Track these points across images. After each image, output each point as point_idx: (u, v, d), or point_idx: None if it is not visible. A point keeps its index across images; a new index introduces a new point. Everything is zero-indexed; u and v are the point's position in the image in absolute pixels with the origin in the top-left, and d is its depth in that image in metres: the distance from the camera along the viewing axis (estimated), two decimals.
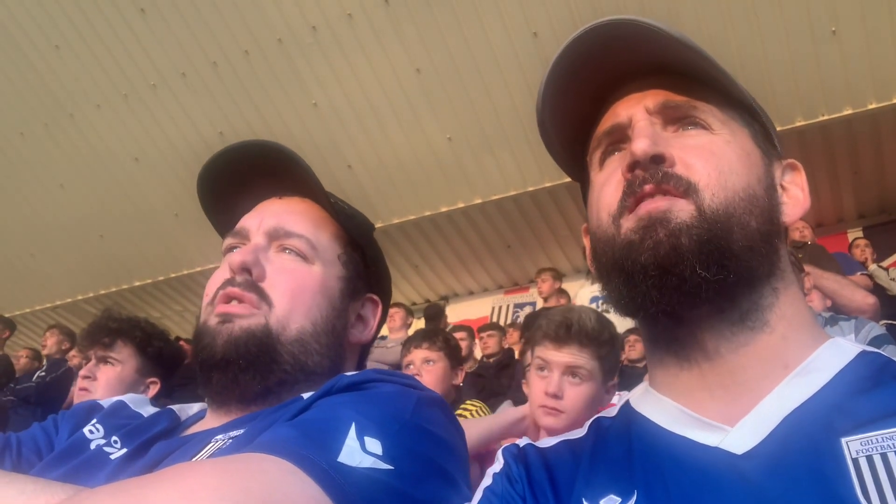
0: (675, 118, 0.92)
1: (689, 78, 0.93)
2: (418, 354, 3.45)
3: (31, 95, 8.70)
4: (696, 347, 0.87)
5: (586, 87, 0.97)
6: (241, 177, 1.26)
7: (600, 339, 2.32)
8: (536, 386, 2.30)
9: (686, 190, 0.84)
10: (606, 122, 0.96)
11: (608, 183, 0.92)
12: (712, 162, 0.86)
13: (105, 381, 2.83)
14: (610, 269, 0.89)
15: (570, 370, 2.25)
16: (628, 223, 0.86)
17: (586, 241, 1.05)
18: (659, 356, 0.93)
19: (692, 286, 0.81)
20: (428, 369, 3.36)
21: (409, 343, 3.64)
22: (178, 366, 3.16)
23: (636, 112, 0.92)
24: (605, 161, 0.96)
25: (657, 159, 0.86)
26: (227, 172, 1.26)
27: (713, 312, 0.85)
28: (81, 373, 2.90)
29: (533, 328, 2.59)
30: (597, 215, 0.93)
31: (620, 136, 0.94)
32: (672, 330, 0.88)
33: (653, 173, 0.85)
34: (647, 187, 0.85)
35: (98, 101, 8.66)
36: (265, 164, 1.24)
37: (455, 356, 3.73)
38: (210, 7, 7.62)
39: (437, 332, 3.90)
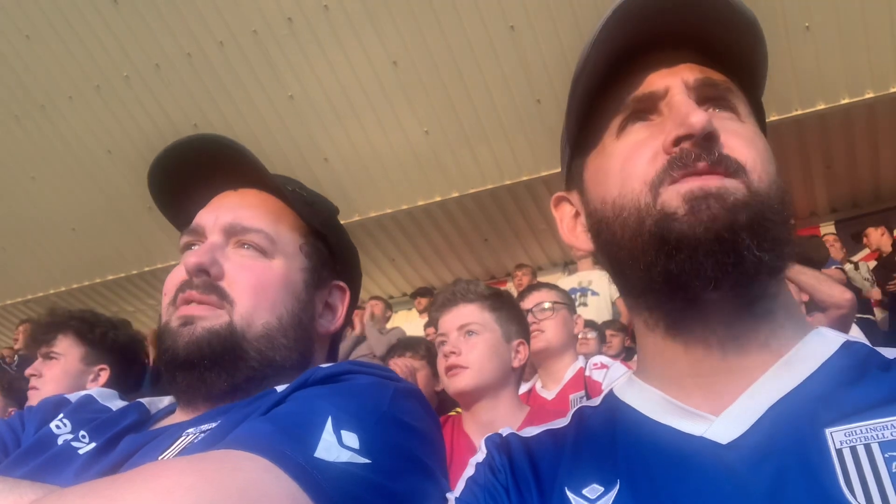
0: (709, 97, 0.88)
1: (719, 59, 0.90)
2: (401, 363, 3.55)
3: (2, 87, 8.56)
4: (700, 331, 0.84)
5: (620, 46, 0.90)
6: (194, 171, 1.23)
7: (486, 294, 2.37)
8: (440, 359, 2.35)
9: (736, 170, 0.81)
10: (637, 89, 0.90)
11: (638, 153, 0.86)
12: (753, 149, 0.84)
13: (50, 376, 2.84)
14: (641, 239, 0.83)
15: (464, 329, 2.29)
16: (671, 193, 0.81)
17: (559, 213, 1.03)
18: (653, 341, 0.90)
19: (750, 265, 0.79)
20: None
21: (393, 352, 3.79)
22: (137, 351, 3.13)
23: (674, 83, 0.88)
24: (627, 128, 0.91)
25: (711, 137, 0.82)
26: (177, 167, 1.23)
27: (728, 297, 0.82)
28: (27, 372, 2.91)
29: (430, 311, 2.70)
30: (620, 183, 0.87)
31: (650, 106, 0.89)
32: (681, 311, 0.85)
33: (707, 151, 0.81)
34: (701, 165, 0.81)
35: (70, 92, 8.55)
36: (217, 157, 1.21)
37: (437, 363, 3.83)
38: None
39: (419, 342, 4.06)
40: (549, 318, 3.15)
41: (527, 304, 3.21)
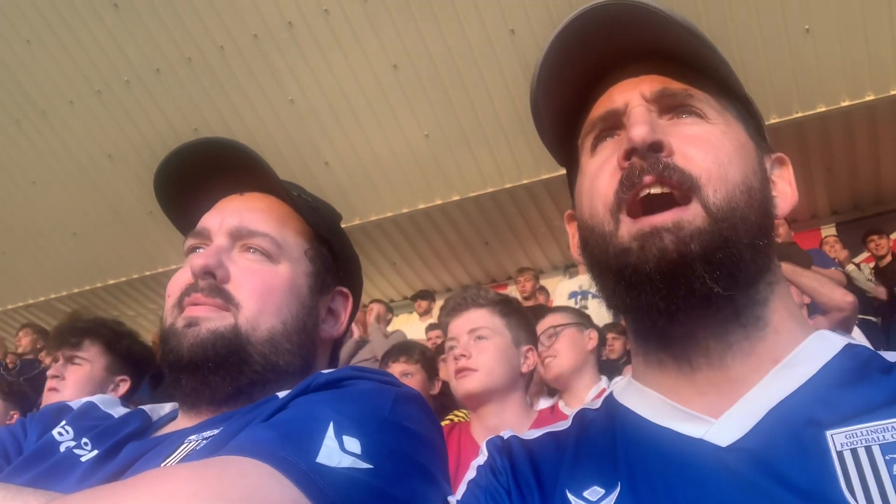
0: (671, 106, 0.90)
1: (685, 64, 0.91)
2: (396, 368, 3.57)
3: (3, 91, 8.56)
4: (689, 346, 0.85)
5: (580, 69, 0.93)
6: (200, 174, 1.22)
7: (496, 300, 2.40)
8: (449, 363, 2.36)
9: (690, 187, 0.82)
10: (601, 107, 0.93)
11: (602, 171, 0.89)
12: (711, 154, 0.84)
13: (74, 381, 2.86)
14: (605, 269, 0.86)
15: (474, 332, 2.31)
16: (627, 226, 0.83)
17: (570, 229, 1.03)
18: (646, 352, 0.91)
19: (701, 296, 0.80)
20: (406, 381, 3.41)
21: (388, 357, 3.79)
22: (149, 364, 3.17)
23: (632, 98, 0.90)
24: (598, 147, 0.93)
25: (655, 147, 0.83)
26: (184, 170, 1.22)
27: (711, 312, 0.83)
28: (50, 372, 2.92)
29: (439, 317, 2.71)
30: (590, 205, 0.89)
31: (614, 122, 0.91)
32: (666, 329, 0.86)
33: (652, 163, 0.83)
34: (647, 178, 0.82)
35: (71, 97, 8.55)
36: (223, 160, 1.21)
37: (431, 367, 3.94)
38: (185, 2, 7.55)
39: (413, 346, 4.07)
40: (557, 340, 3.14)
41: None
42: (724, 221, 0.81)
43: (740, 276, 0.81)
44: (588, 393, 3.11)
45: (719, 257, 0.80)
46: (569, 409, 3.12)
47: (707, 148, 0.85)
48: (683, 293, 0.80)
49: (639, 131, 0.83)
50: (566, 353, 3.14)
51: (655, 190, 0.83)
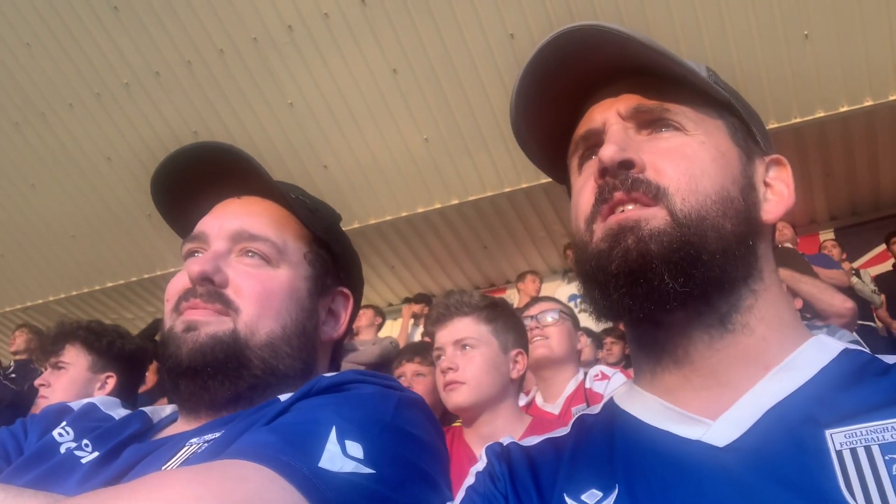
0: (648, 121, 0.92)
1: (663, 78, 0.93)
2: (409, 368, 3.57)
3: (2, 94, 8.55)
4: (676, 350, 0.87)
5: (561, 92, 0.97)
6: (196, 178, 1.22)
7: (481, 306, 2.34)
8: (437, 375, 2.33)
9: (655, 195, 0.84)
10: (582, 127, 0.97)
11: (584, 189, 0.93)
12: (683, 166, 0.87)
13: (59, 385, 2.91)
14: (585, 276, 0.90)
15: (459, 343, 2.27)
16: (599, 232, 0.87)
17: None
18: (642, 357, 0.93)
19: (661, 294, 0.82)
20: (419, 381, 3.46)
21: (402, 356, 3.79)
22: (143, 360, 3.21)
23: (609, 116, 0.93)
24: (583, 165, 0.97)
25: (626, 164, 0.86)
26: (181, 174, 1.22)
27: (691, 316, 0.85)
28: (37, 382, 2.99)
29: (425, 325, 2.69)
30: (575, 221, 0.94)
31: (596, 141, 0.94)
32: (652, 333, 0.89)
33: (622, 180, 0.86)
34: (617, 195, 0.86)
35: (70, 99, 8.53)
36: (220, 164, 1.21)
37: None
38: (184, 5, 7.54)
39: (428, 348, 4.06)
40: (554, 325, 3.13)
41: (531, 311, 3.20)
42: (688, 228, 0.83)
43: (698, 277, 0.82)
44: (567, 386, 3.10)
45: (677, 258, 0.82)
46: (548, 405, 3.11)
47: (679, 160, 0.87)
48: (644, 291, 0.82)
49: (607, 151, 0.87)
50: (559, 340, 3.12)
51: (629, 207, 0.86)
